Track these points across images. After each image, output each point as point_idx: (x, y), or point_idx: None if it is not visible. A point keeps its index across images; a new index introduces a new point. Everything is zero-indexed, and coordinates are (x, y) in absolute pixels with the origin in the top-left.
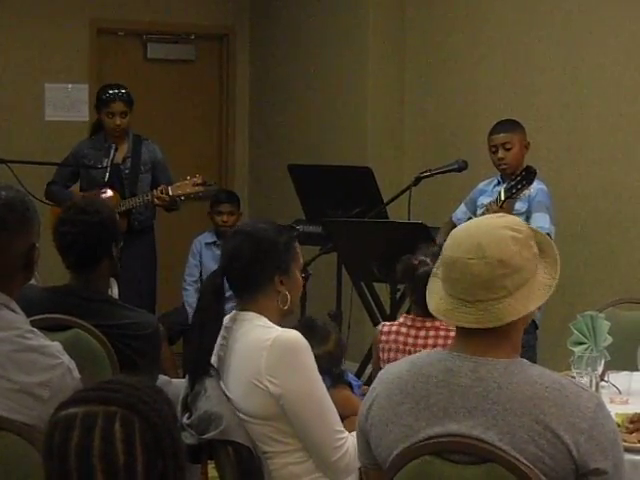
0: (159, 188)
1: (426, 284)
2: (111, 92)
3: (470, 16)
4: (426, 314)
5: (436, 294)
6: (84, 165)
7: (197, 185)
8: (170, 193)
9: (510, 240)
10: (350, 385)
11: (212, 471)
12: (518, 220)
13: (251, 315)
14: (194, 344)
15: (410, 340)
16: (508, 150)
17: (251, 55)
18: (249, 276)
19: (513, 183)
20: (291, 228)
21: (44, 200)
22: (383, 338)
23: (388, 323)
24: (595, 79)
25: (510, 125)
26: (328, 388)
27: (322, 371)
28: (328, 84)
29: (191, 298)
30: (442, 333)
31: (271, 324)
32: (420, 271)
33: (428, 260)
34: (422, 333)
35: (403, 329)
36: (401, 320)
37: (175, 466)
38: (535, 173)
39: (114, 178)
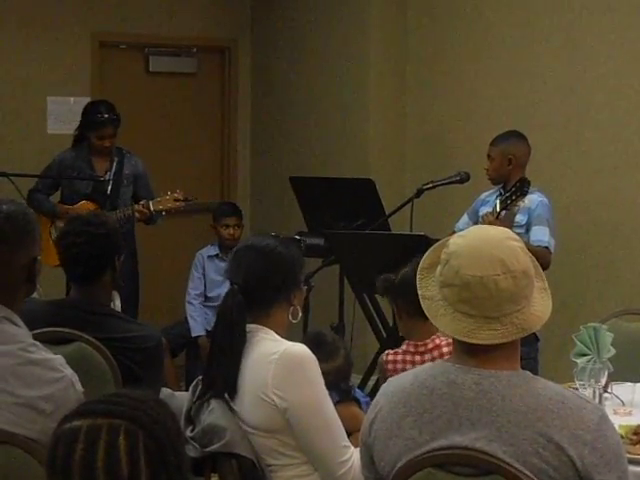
0: (140, 203)
1: (410, 287)
2: (102, 117)
3: (472, 28)
4: (423, 335)
5: (444, 316)
6: (69, 176)
7: (178, 200)
8: (151, 208)
9: (520, 250)
10: (357, 401)
11: None
12: (507, 229)
13: (258, 328)
14: (224, 363)
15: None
16: (491, 162)
17: (253, 68)
18: (268, 293)
19: (508, 194)
20: (296, 241)
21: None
22: (390, 367)
23: (392, 351)
24: (596, 90)
25: (499, 138)
26: (335, 403)
27: (330, 386)
28: (330, 96)
29: (195, 312)
30: (445, 350)
31: (278, 337)
32: (399, 279)
33: (406, 268)
34: (427, 356)
35: (408, 357)
36: (404, 348)
37: (179, 479)
38: (529, 184)
39: (96, 190)
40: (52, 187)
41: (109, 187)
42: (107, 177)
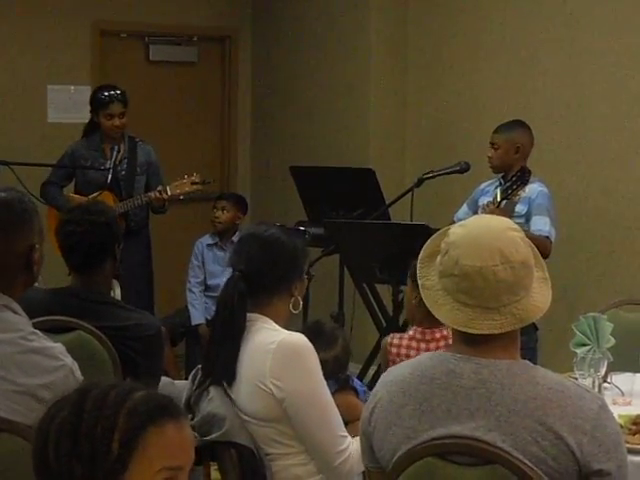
0: (158, 189)
1: None
2: (109, 94)
3: (472, 18)
4: (436, 322)
5: (443, 306)
6: (84, 167)
7: (195, 184)
8: (169, 193)
9: (520, 240)
10: (355, 390)
11: (215, 473)
12: (508, 219)
13: (257, 317)
14: (223, 351)
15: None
16: (495, 150)
17: (253, 57)
18: (270, 282)
19: (509, 184)
20: (300, 232)
21: (46, 203)
22: (394, 350)
23: (397, 335)
24: (597, 81)
25: (504, 126)
26: (333, 393)
27: (328, 376)
28: (330, 86)
29: (196, 300)
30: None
31: (277, 327)
32: None
33: None
34: (433, 345)
35: (414, 343)
36: (411, 333)
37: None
38: (530, 174)
39: (111, 180)
40: (65, 179)
41: (109, 175)
42: (108, 165)
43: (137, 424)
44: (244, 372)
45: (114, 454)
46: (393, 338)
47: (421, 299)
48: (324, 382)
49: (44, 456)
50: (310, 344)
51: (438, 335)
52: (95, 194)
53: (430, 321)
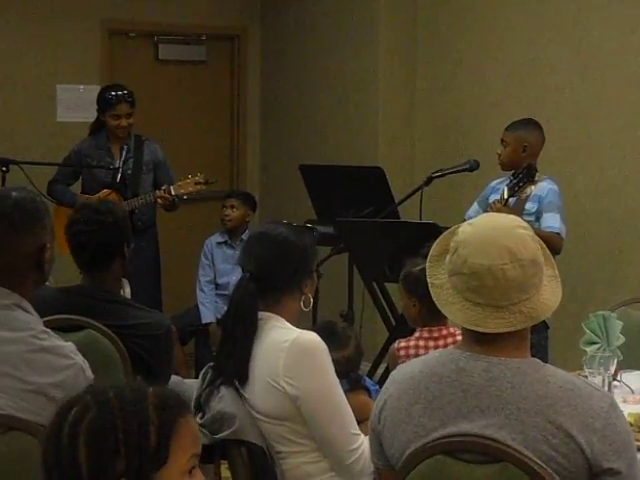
0: (162, 188)
1: None
2: (116, 94)
3: (481, 17)
4: (440, 320)
5: (453, 304)
6: (92, 165)
7: (199, 184)
8: (172, 192)
9: (529, 238)
10: (367, 389)
11: (225, 471)
12: (517, 217)
13: (269, 316)
14: (235, 350)
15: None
16: (504, 147)
17: (262, 55)
18: (280, 281)
19: (515, 181)
20: (310, 229)
21: (54, 200)
22: (402, 353)
23: (404, 340)
24: (606, 79)
25: (516, 124)
26: (345, 392)
27: (340, 376)
28: (339, 84)
29: (206, 299)
30: (460, 338)
31: (289, 325)
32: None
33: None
34: (441, 342)
35: (421, 342)
36: (417, 335)
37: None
38: (536, 171)
39: (116, 179)
40: (71, 177)
41: (119, 175)
42: (117, 164)
43: (170, 417)
44: (257, 371)
45: (153, 446)
46: (400, 342)
47: (420, 305)
48: (337, 380)
49: (73, 457)
50: (323, 342)
51: (445, 332)
52: (99, 193)
53: (434, 322)
